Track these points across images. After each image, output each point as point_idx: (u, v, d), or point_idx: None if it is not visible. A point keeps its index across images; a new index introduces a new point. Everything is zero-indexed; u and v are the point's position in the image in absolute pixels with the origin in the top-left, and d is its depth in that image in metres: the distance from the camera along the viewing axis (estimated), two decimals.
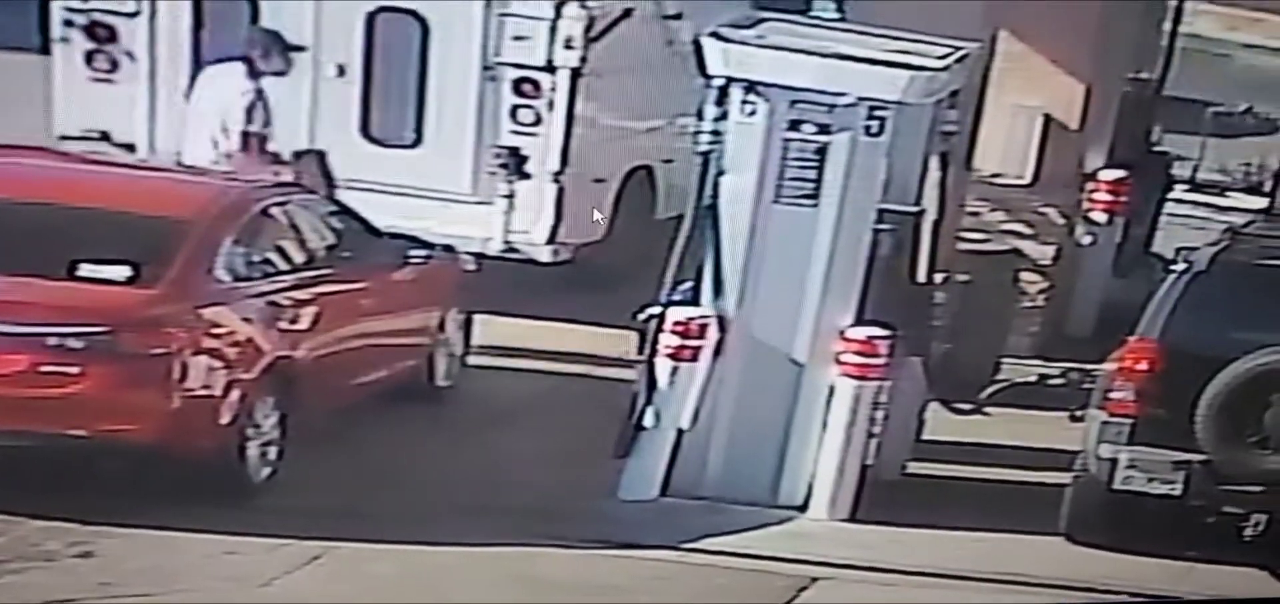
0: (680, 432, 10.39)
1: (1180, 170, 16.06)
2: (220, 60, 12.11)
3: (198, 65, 13.19)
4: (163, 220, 10.22)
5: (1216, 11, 24.81)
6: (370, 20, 13.09)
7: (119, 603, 8.94)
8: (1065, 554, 10.10)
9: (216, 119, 11.67)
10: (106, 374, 9.64)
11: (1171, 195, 15.39)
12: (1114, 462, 10.03)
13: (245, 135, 11.58)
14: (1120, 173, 13.81)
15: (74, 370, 9.63)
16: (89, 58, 13.37)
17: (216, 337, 9.97)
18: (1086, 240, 13.73)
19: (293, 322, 10.43)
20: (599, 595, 9.37)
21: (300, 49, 12.38)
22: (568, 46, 13.00)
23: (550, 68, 13.00)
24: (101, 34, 13.34)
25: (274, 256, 10.63)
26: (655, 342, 10.36)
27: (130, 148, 13.26)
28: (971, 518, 10.36)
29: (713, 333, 10.38)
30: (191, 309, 9.93)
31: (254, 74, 11.71)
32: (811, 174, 10.38)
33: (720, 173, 10.39)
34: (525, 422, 11.56)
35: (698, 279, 10.43)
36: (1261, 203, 14.88)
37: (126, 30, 13.30)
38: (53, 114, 13.45)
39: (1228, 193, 17.18)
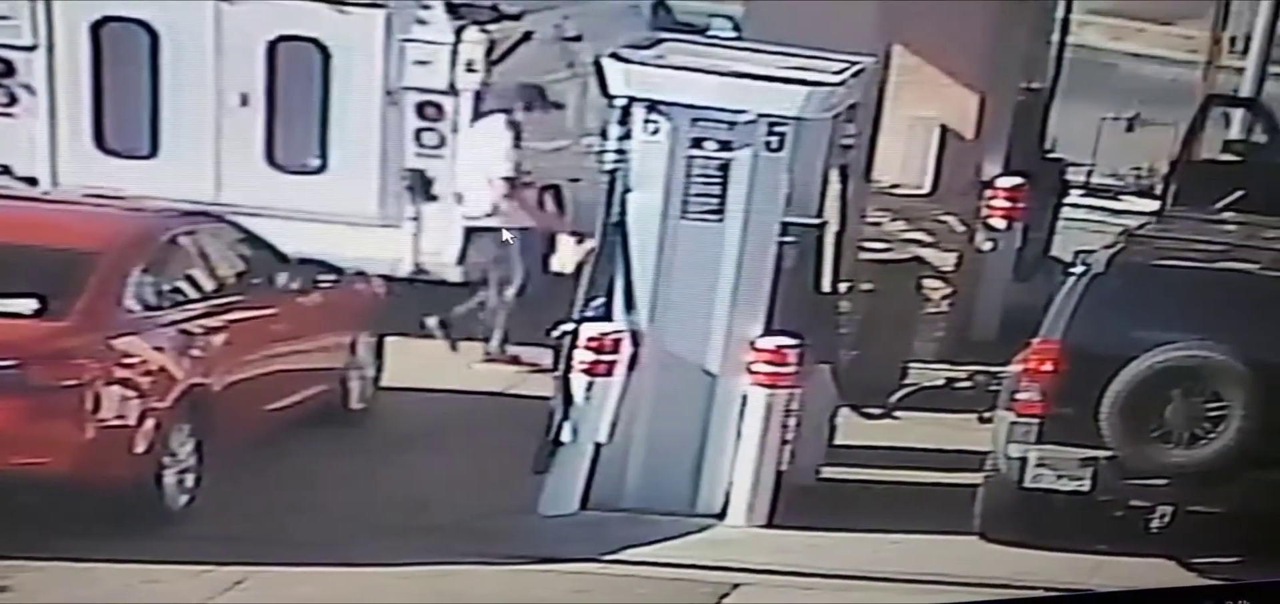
0: (598, 445, 10.44)
1: (1075, 175, 16.27)
2: (484, 115, 12.75)
3: (99, 98, 13.18)
4: (70, 252, 10.19)
5: (1103, 22, 25.17)
6: (271, 49, 13.09)
7: None
8: (979, 552, 10.21)
9: (484, 169, 12.45)
10: (16, 407, 9.60)
11: (1067, 200, 15.60)
12: (1023, 460, 10.16)
13: (510, 180, 12.41)
14: (1017, 179, 13.95)
15: None
16: None
17: (128, 366, 9.94)
18: (986, 246, 13.85)
19: (205, 349, 10.41)
20: None
21: (560, 106, 13.00)
22: (469, 70, 13.05)
23: (453, 91, 13.05)
24: None
25: (184, 285, 10.61)
26: (570, 358, 10.43)
27: (32, 181, 13.18)
28: (886, 520, 10.46)
29: (626, 347, 10.44)
30: (102, 339, 9.89)
31: (514, 125, 12.49)
32: (716, 190, 10.48)
33: (627, 190, 10.47)
34: (442, 441, 11.56)
35: (610, 295, 10.50)
36: (1153, 205, 15.06)
37: (24, 64, 13.23)
38: None
39: (1121, 197, 17.42)
